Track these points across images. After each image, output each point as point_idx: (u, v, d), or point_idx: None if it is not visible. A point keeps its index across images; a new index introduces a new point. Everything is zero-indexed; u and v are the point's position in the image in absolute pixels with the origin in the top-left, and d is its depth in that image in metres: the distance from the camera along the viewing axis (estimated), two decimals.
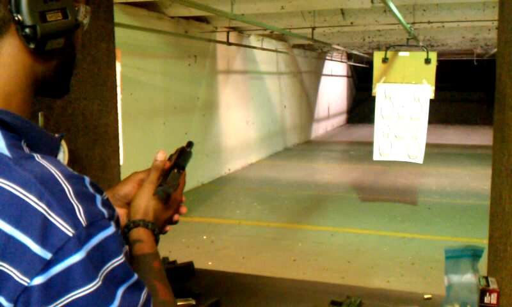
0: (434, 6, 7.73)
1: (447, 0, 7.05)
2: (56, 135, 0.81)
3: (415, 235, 6.46)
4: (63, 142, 1.87)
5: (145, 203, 1.04)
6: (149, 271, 0.94)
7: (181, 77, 8.88)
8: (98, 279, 0.67)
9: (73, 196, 0.68)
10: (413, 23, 7.76)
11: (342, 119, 22.01)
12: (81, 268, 0.66)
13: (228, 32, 9.63)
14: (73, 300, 0.65)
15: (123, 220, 1.05)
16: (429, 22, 8.44)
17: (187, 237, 6.30)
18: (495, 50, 11.55)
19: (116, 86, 2.25)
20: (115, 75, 2.25)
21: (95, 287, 0.66)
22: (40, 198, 0.66)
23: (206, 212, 7.64)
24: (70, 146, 1.92)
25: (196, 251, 5.88)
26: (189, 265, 2.15)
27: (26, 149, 0.72)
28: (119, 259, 0.71)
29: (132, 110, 7.07)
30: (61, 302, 0.65)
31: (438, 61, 6.16)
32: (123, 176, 2.43)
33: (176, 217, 1.13)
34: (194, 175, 9.19)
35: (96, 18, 2.07)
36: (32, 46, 0.75)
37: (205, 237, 6.37)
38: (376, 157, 6.11)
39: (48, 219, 0.65)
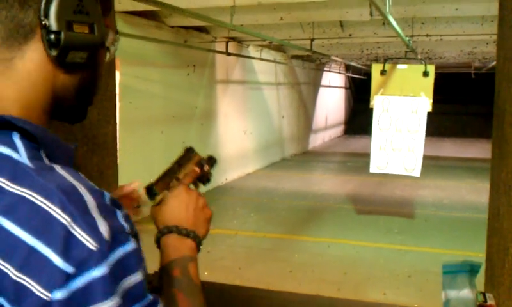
0: (432, 19, 7.77)
1: (445, 14, 7.09)
2: (72, 145, 0.80)
3: (412, 248, 6.45)
4: None
5: (173, 208, 1.01)
6: (167, 283, 0.92)
7: (180, 86, 8.89)
8: (117, 296, 0.66)
9: (95, 210, 0.67)
10: (412, 36, 7.79)
11: (339, 130, 22.04)
12: (102, 284, 0.64)
13: (227, 43, 9.66)
14: None
15: None
16: (427, 35, 8.48)
17: None
18: (493, 63, 11.62)
19: (115, 95, 2.25)
20: (114, 84, 2.25)
21: (114, 304, 0.65)
22: (64, 210, 0.65)
23: None
24: None
25: None
26: None
27: (46, 160, 0.71)
28: (138, 277, 0.70)
29: (131, 119, 7.07)
30: None
31: (436, 73, 6.19)
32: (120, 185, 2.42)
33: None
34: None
35: None
36: (54, 53, 0.74)
37: (201, 247, 6.35)
38: (373, 169, 6.13)
39: (71, 232, 0.64)
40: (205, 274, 5.34)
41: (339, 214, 8.26)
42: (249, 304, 1.97)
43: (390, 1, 4.87)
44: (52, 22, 0.73)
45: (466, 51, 11.41)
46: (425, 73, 5.92)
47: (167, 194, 1.03)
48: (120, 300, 0.66)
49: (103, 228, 0.66)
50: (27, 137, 0.71)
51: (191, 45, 8.77)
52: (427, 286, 5.04)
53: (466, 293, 1.75)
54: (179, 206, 1.01)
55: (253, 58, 11.11)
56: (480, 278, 1.87)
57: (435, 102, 6.00)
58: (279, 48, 12.36)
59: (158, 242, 0.99)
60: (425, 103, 5.87)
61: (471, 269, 1.77)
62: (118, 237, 0.68)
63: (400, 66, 6.18)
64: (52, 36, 0.74)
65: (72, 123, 0.86)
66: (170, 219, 0.99)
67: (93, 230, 0.65)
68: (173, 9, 5.02)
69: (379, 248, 6.45)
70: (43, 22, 0.73)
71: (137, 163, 6.82)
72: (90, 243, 0.64)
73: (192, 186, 1.08)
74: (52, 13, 0.73)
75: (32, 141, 0.71)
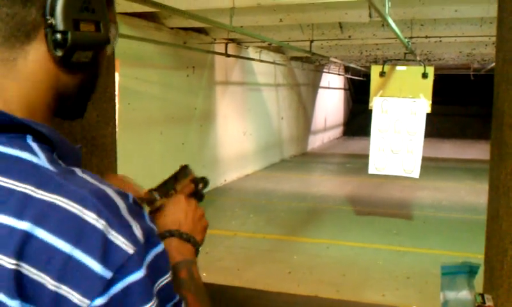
0: (431, 21, 7.78)
1: (444, 16, 7.10)
2: (77, 146, 0.79)
3: (411, 249, 6.45)
4: None
5: (178, 212, 1.02)
6: (178, 283, 0.91)
7: (179, 88, 8.90)
8: (155, 297, 0.66)
9: (127, 213, 0.67)
10: (411, 37, 7.81)
11: (338, 131, 22.05)
12: (141, 287, 0.64)
13: (226, 44, 9.66)
14: None
15: None
16: (426, 37, 8.49)
17: None
18: (492, 65, 11.64)
19: (114, 97, 2.25)
20: (114, 86, 2.25)
21: (153, 305, 0.65)
22: (99, 215, 0.64)
23: None
24: None
25: None
26: None
27: (61, 163, 0.70)
28: (168, 277, 0.70)
29: (130, 120, 7.06)
30: None
31: (435, 75, 6.20)
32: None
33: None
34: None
35: None
36: (60, 53, 0.72)
37: (200, 248, 6.34)
38: (372, 170, 6.13)
39: (108, 237, 0.63)
40: (204, 275, 5.32)
41: (338, 215, 8.26)
42: (247, 305, 1.97)
43: (389, 3, 4.87)
44: (58, 21, 0.71)
45: (465, 53, 11.42)
46: (424, 75, 5.93)
47: (166, 200, 1.04)
48: (157, 301, 0.66)
49: (137, 230, 0.66)
50: (39, 139, 0.69)
51: (190, 47, 8.77)
52: (426, 287, 5.05)
53: (464, 294, 1.75)
54: (179, 212, 1.02)
55: (253, 59, 11.11)
56: (479, 279, 1.87)
57: (434, 103, 6.01)
58: (278, 49, 12.36)
59: None
60: (424, 105, 5.87)
61: (470, 270, 1.77)
62: (150, 239, 0.68)
63: (399, 68, 6.18)
64: (59, 36, 0.71)
65: (72, 119, 0.85)
66: (171, 223, 1.00)
67: (129, 234, 0.65)
68: (173, 11, 5.02)
69: (377, 249, 6.45)
70: (49, 21, 0.70)
71: (136, 164, 6.81)
72: (128, 247, 0.64)
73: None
74: (58, 11, 0.70)
75: (46, 143, 0.69)
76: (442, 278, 1.77)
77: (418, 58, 9.13)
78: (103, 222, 0.64)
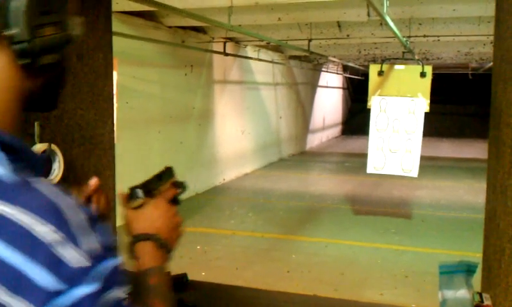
0: (430, 20, 7.79)
1: (442, 15, 7.10)
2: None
3: (409, 248, 6.46)
4: (59, 152, 1.87)
5: (147, 216, 1.01)
6: (145, 290, 0.92)
7: (177, 87, 8.89)
8: None
9: (79, 226, 0.67)
10: (409, 36, 7.81)
11: (337, 130, 22.06)
12: (91, 301, 0.64)
13: (224, 43, 9.66)
14: None
15: None
16: (424, 36, 8.50)
17: (181, 247, 6.21)
18: (490, 64, 11.62)
19: (112, 96, 2.25)
20: (112, 85, 2.25)
21: None
22: (49, 228, 0.64)
23: (200, 222, 7.62)
24: (66, 156, 1.91)
25: (189, 261, 5.85)
26: (183, 276, 2.14)
27: (23, 173, 0.69)
28: (122, 290, 0.70)
29: (128, 119, 7.06)
30: None
31: (433, 74, 6.20)
32: (118, 186, 2.42)
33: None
34: (189, 184, 9.17)
35: (95, 28, 2.07)
36: (25, 61, 0.71)
37: (198, 247, 6.35)
38: (370, 170, 6.12)
39: (58, 250, 0.63)
40: (202, 274, 5.33)
41: (336, 214, 8.26)
42: (246, 305, 1.97)
43: (387, 2, 4.88)
44: (20, 31, 0.69)
45: (463, 52, 11.43)
46: (423, 74, 5.92)
47: (148, 201, 1.04)
48: None
49: (88, 244, 0.66)
50: (3, 148, 0.68)
51: (188, 45, 8.77)
52: (424, 286, 5.05)
53: (463, 293, 1.76)
54: (159, 217, 1.02)
55: (251, 58, 11.12)
56: (477, 278, 1.88)
57: (432, 102, 6.00)
58: (277, 48, 12.36)
59: (131, 244, 0.98)
60: (422, 104, 5.87)
61: (468, 269, 1.77)
62: (103, 253, 0.68)
63: (397, 67, 6.17)
64: (22, 45, 0.70)
65: (44, 112, 0.85)
66: (149, 227, 1.00)
67: (78, 247, 0.65)
68: (171, 10, 5.02)
69: (376, 248, 6.46)
70: (11, 32, 0.69)
71: (134, 163, 6.81)
72: (78, 260, 0.64)
73: None
74: (20, 20, 0.69)
75: (10, 153, 0.69)
76: (440, 277, 1.77)
77: (416, 57, 9.11)
78: (53, 235, 0.64)
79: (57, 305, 0.62)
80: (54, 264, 0.63)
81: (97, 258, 0.66)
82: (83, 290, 0.64)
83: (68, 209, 0.67)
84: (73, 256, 0.64)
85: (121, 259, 0.72)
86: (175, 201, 1.11)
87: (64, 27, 0.76)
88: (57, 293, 0.62)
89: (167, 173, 1.13)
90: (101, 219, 0.72)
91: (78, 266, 0.64)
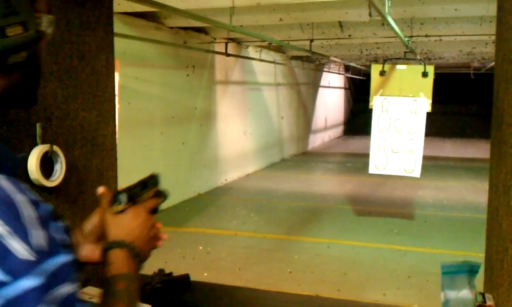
0: (431, 19, 7.78)
1: (444, 14, 7.09)
2: (19, 155, 0.82)
3: (411, 248, 6.45)
4: (60, 153, 1.87)
5: (120, 224, 1.02)
6: (111, 294, 0.92)
7: (179, 87, 8.90)
8: (52, 305, 0.68)
9: (30, 221, 0.69)
10: (411, 36, 7.80)
11: (339, 130, 22.05)
12: (36, 293, 0.66)
13: (226, 43, 9.66)
14: None
15: (94, 255, 1.05)
16: (426, 36, 8.49)
17: (183, 248, 6.28)
18: (492, 64, 11.61)
19: (114, 97, 2.25)
20: (114, 86, 2.25)
21: None
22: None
23: (202, 223, 7.63)
24: (68, 157, 1.91)
25: (191, 261, 5.86)
26: (185, 277, 2.15)
27: None
28: (71, 287, 0.72)
29: (130, 120, 7.07)
30: None
31: (435, 74, 6.19)
32: (120, 187, 2.42)
33: (159, 242, 1.09)
34: (191, 185, 9.18)
35: (97, 29, 2.07)
36: None
37: (201, 248, 6.35)
38: (372, 170, 6.12)
39: (5, 242, 0.66)
40: (205, 274, 5.34)
41: (339, 215, 8.26)
42: (248, 305, 1.97)
43: (389, 2, 4.87)
44: None
45: (465, 51, 11.41)
46: (425, 74, 5.92)
47: (129, 207, 1.04)
48: None
49: (36, 239, 0.68)
50: None
51: (190, 46, 8.77)
52: (427, 286, 5.05)
53: (465, 293, 1.75)
54: (137, 226, 1.02)
55: (253, 59, 11.12)
56: (480, 279, 1.87)
57: (434, 102, 6.00)
58: (278, 49, 12.36)
59: (105, 249, 0.99)
60: (424, 104, 5.86)
61: (470, 270, 1.77)
62: (52, 248, 0.70)
63: (399, 67, 6.17)
64: None
65: (24, 108, 0.88)
66: (126, 234, 1.00)
67: (25, 241, 0.67)
68: (173, 10, 5.02)
69: (378, 249, 6.45)
70: None
71: (136, 164, 6.82)
72: (24, 254, 0.66)
73: None
74: None
75: None
76: (443, 277, 1.77)
77: (418, 57, 9.12)
78: (2, 227, 0.66)
79: (2, 296, 0.65)
80: (1, 255, 0.65)
81: (44, 254, 0.68)
82: (27, 283, 0.66)
83: (24, 204, 0.69)
84: (18, 249, 0.66)
85: (74, 257, 0.74)
86: (154, 210, 1.10)
87: (32, 25, 0.78)
88: (2, 284, 0.65)
89: (152, 180, 1.12)
90: (58, 218, 0.75)
91: (23, 259, 0.66)
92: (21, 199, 0.70)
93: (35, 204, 0.71)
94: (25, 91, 0.83)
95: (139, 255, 1.00)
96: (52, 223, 0.73)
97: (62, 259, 0.71)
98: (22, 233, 0.67)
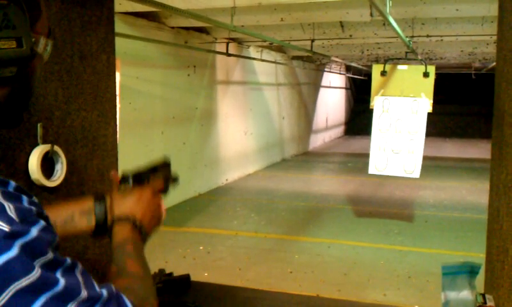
0: (433, 19, 7.77)
1: (445, 15, 7.09)
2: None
3: (412, 248, 6.45)
4: (61, 153, 1.87)
5: (125, 200, 1.08)
6: (122, 253, 0.97)
7: (180, 87, 8.90)
8: (36, 269, 0.69)
9: (1, 196, 0.71)
10: (412, 36, 7.80)
11: (340, 130, 22.04)
12: (19, 261, 0.68)
13: (227, 43, 9.66)
14: (17, 290, 0.67)
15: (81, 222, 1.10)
16: (427, 36, 8.48)
17: (184, 247, 6.28)
18: (493, 64, 11.60)
19: (115, 97, 2.25)
20: (115, 86, 2.25)
21: (35, 275, 0.69)
22: None
23: (203, 222, 7.63)
24: (69, 157, 1.91)
25: (192, 261, 5.86)
26: (186, 277, 2.15)
27: None
28: (51, 250, 0.74)
29: (131, 120, 7.07)
30: (7, 294, 0.67)
31: (436, 74, 6.19)
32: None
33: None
34: (192, 185, 9.18)
35: (98, 29, 2.07)
36: None
37: (201, 248, 6.36)
38: (372, 170, 6.11)
39: None
40: (205, 274, 5.34)
41: (339, 215, 8.26)
42: (248, 305, 1.97)
43: (390, 2, 4.87)
44: None
45: (467, 52, 11.41)
46: (426, 74, 5.92)
47: (136, 188, 1.12)
48: (41, 270, 0.70)
49: (11, 211, 0.71)
50: None
51: (191, 46, 8.77)
52: (427, 287, 5.05)
53: (465, 294, 1.75)
54: (140, 202, 1.09)
55: (254, 59, 11.11)
56: (480, 279, 1.87)
57: (435, 102, 5.99)
58: (279, 49, 12.36)
59: (111, 226, 1.05)
60: (425, 104, 5.86)
61: (471, 270, 1.77)
62: (27, 219, 0.72)
63: (400, 67, 6.17)
64: None
65: (6, 128, 0.88)
66: (128, 209, 1.06)
67: (3, 214, 0.69)
68: (174, 10, 5.02)
69: (379, 249, 6.45)
70: None
71: (137, 164, 6.80)
72: (1, 225, 0.69)
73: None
74: None
75: None
76: (443, 278, 1.77)
77: (419, 57, 9.11)
78: None
79: None
80: None
81: (22, 224, 0.71)
82: (10, 253, 0.68)
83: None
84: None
85: (47, 223, 0.76)
86: (164, 190, 1.15)
87: (26, 43, 0.79)
88: None
89: (163, 167, 1.17)
90: (27, 192, 0.78)
91: (4, 230, 0.68)
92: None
93: (3, 182, 0.74)
94: (10, 108, 0.83)
95: (140, 228, 1.05)
96: (24, 196, 0.75)
97: (38, 226, 0.73)
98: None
